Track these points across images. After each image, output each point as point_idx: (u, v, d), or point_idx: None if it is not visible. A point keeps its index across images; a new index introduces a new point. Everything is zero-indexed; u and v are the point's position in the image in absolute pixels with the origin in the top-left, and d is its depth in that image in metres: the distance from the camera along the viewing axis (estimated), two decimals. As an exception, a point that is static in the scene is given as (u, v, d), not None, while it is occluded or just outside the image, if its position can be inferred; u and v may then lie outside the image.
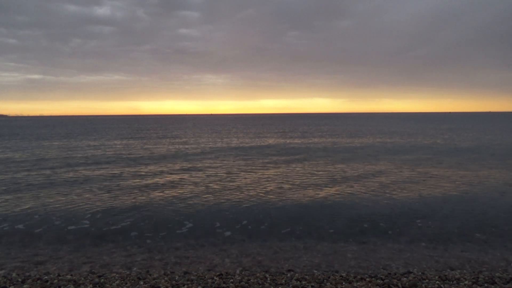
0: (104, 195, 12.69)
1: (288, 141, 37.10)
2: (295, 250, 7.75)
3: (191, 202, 11.74)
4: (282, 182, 14.83)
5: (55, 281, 6.11)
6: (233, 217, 10.05)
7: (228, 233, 8.84)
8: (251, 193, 12.84)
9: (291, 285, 5.86)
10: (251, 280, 6.08)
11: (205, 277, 6.27)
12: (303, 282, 5.97)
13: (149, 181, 15.20)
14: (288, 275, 6.38)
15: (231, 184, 14.60)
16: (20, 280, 6.19)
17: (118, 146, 31.65)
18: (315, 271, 6.60)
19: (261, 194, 12.75)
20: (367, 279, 6.09)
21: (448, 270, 6.65)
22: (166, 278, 6.22)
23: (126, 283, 5.99)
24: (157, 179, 15.67)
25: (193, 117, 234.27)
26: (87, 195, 12.62)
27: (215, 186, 14.15)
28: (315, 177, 15.93)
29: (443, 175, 16.13)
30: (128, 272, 6.59)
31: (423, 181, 14.91)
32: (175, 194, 12.75)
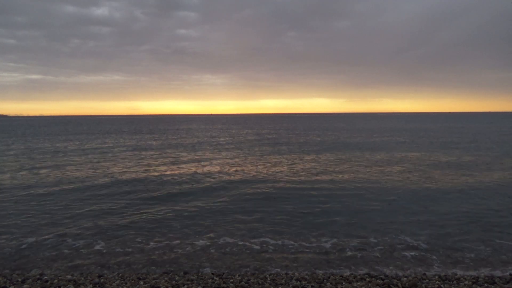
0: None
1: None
2: None
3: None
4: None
5: (55, 281, 6.11)
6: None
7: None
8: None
9: (291, 285, 5.85)
10: (251, 280, 6.08)
11: (205, 277, 6.27)
12: (303, 282, 5.96)
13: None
14: (289, 275, 6.38)
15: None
16: (20, 280, 6.18)
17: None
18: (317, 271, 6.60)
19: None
20: (367, 279, 6.07)
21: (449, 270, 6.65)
22: (166, 278, 6.22)
23: (126, 283, 5.98)
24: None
25: (196, 117, 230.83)
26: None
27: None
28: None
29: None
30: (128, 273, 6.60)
31: None
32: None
